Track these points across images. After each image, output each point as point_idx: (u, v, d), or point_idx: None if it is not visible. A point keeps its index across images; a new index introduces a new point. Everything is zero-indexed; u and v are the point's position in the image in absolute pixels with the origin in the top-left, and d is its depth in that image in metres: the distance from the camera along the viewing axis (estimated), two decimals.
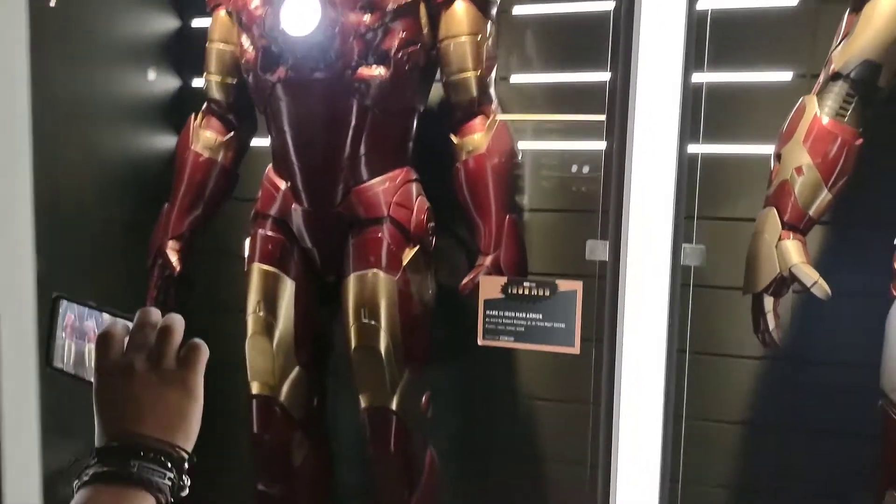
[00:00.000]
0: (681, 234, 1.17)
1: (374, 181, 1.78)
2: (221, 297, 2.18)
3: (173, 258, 1.94)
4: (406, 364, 1.78)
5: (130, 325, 0.68)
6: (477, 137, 1.77)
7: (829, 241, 1.66)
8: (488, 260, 1.68)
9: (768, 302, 1.56)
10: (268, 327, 1.83)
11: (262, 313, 1.82)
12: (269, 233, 1.84)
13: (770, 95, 1.88)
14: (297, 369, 1.87)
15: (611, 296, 1.28)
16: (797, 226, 1.56)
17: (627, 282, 1.22)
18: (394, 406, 1.77)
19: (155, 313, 0.69)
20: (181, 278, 1.97)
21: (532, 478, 2.09)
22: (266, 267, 1.83)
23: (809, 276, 1.50)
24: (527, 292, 1.32)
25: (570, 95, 1.98)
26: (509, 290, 1.34)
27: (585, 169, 1.90)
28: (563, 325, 1.31)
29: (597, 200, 1.83)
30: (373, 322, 1.73)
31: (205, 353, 0.67)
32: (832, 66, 1.56)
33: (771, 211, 1.58)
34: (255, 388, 1.87)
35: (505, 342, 1.34)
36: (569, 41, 1.99)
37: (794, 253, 1.53)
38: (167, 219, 1.99)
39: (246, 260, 1.89)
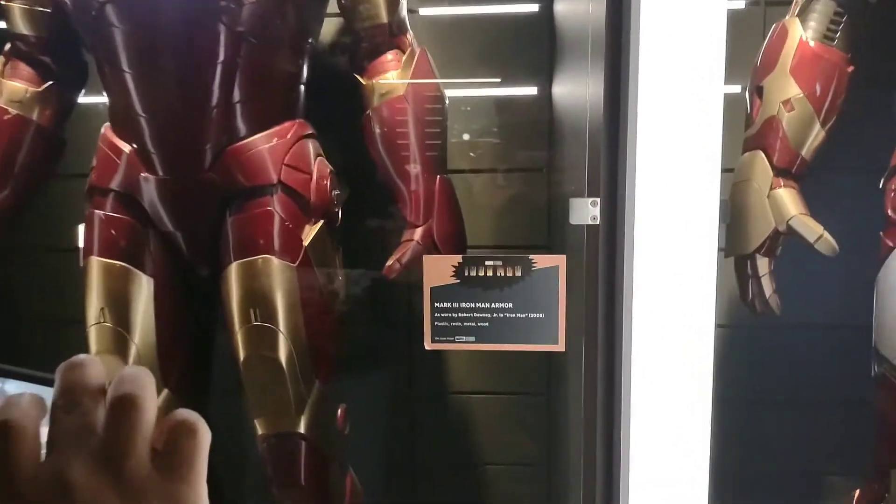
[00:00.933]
0: (718, 183, 0.85)
1: (255, 138, 1.33)
2: (52, 305, 1.64)
3: None
4: (315, 374, 1.37)
5: (47, 395, 0.37)
6: (392, 76, 1.37)
7: (808, 186, 1.41)
8: (418, 233, 1.30)
9: (762, 263, 1.29)
10: (118, 341, 1.34)
11: (108, 323, 1.33)
12: (112, 213, 1.34)
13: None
14: (164, 393, 1.40)
15: (605, 270, 0.94)
16: (789, 170, 1.30)
17: (636, 250, 0.88)
18: (302, 429, 1.36)
19: (93, 367, 0.38)
20: None
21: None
22: (109, 261, 1.33)
23: (813, 229, 1.24)
24: (491, 273, 0.95)
25: (502, 28, 1.62)
26: (466, 272, 0.96)
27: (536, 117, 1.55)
28: (541, 315, 0.95)
29: (553, 155, 1.49)
30: (267, 324, 1.29)
31: (203, 440, 0.37)
32: None
33: (757, 155, 1.31)
34: None
35: (464, 344, 0.97)
36: None
37: (790, 203, 1.27)
38: None
39: (81, 253, 1.38)
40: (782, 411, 1.54)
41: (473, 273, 0.95)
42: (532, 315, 0.95)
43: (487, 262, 0.95)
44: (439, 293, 0.96)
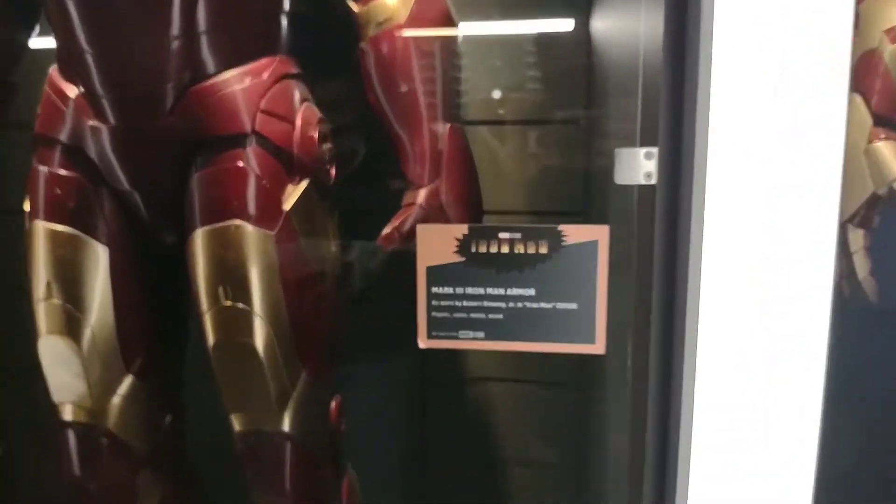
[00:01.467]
0: (843, 127, 0.59)
1: (225, 76, 1.09)
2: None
3: None
4: (302, 363, 1.15)
5: None
6: (391, 1, 1.11)
7: None
8: (422, 195, 1.06)
9: (856, 237, 1.03)
10: (70, 321, 1.14)
11: (57, 300, 1.13)
12: (59, 170, 1.13)
13: None
14: (129, 380, 1.21)
15: (663, 246, 0.70)
16: (892, 118, 1.02)
17: (707, 219, 0.64)
18: (286, 427, 1.15)
19: None
20: None
21: None
22: (56, 226, 1.12)
23: None
24: (507, 250, 0.71)
25: None
26: (473, 248, 0.72)
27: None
28: (573, 306, 0.71)
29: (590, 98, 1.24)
30: (240, 304, 1.08)
31: None
32: None
33: (851, 99, 1.04)
34: (66, 413, 1.20)
35: (469, 341, 0.74)
36: None
37: (894, 160, 1.00)
38: None
39: (27, 216, 1.17)
40: (871, 410, 1.29)
41: (483, 249, 0.72)
42: (560, 305, 0.71)
43: (502, 235, 0.71)
44: (438, 275, 0.72)
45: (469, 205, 1.09)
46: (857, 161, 1.03)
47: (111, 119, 1.08)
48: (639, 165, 0.69)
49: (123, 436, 1.22)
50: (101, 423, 1.20)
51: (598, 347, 0.72)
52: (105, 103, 1.07)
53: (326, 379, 1.24)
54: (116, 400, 1.21)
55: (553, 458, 1.50)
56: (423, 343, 0.75)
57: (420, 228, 0.74)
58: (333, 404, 1.27)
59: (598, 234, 0.70)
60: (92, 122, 1.09)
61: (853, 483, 1.24)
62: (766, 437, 0.66)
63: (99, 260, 1.14)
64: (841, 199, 1.05)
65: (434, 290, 0.73)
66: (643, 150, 0.69)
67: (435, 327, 0.74)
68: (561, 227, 0.71)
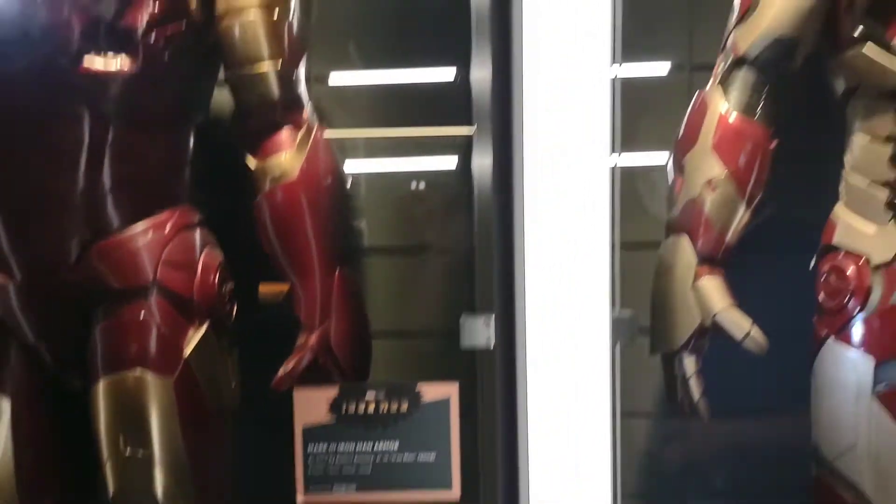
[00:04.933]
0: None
1: (128, 232, 1.17)
2: None
3: None
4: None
5: None
6: (285, 158, 1.23)
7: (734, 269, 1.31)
8: (313, 338, 1.15)
9: (690, 363, 1.18)
10: None
11: None
12: None
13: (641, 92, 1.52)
14: None
15: (504, 401, 0.82)
16: (714, 256, 1.20)
17: (530, 376, 0.77)
18: None
19: None
20: None
21: None
22: None
23: (740, 325, 1.14)
24: (371, 410, 0.82)
25: (415, 100, 1.52)
26: (343, 409, 0.82)
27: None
28: (430, 458, 0.82)
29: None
30: (140, 452, 1.12)
31: None
32: (735, 50, 1.22)
33: (681, 239, 1.22)
34: None
35: (342, 496, 0.83)
36: (414, 28, 1.54)
37: (716, 295, 1.17)
38: None
39: None
40: None
41: (353, 408, 0.82)
42: (421, 456, 0.82)
43: (368, 397, 0.81)
44: (313, 434, 0.82)
45: (355, 347, 1.18)
46: (686, 296, 1.19)
47: (17, 275, 1.14)
48: (478, 332, 0.82)
49: None
50: None
51: (453, 493, 0.82)
52: (12, 260, 1.13)
53: None
54: None
55: None
56: (301, 498, 0.83)
57: (297, 392, 0.83)
58: None
59: (449, 392, 0.82)
60: None
61: None
62: None
63: (1, 413, 1.17)
64: (675, 329, 1.21)
65: (310, 449, 0.82)
66: (481, 318, 0.82)
67: (312, 482, 0.83)
68: (419, 387, 0.82)
